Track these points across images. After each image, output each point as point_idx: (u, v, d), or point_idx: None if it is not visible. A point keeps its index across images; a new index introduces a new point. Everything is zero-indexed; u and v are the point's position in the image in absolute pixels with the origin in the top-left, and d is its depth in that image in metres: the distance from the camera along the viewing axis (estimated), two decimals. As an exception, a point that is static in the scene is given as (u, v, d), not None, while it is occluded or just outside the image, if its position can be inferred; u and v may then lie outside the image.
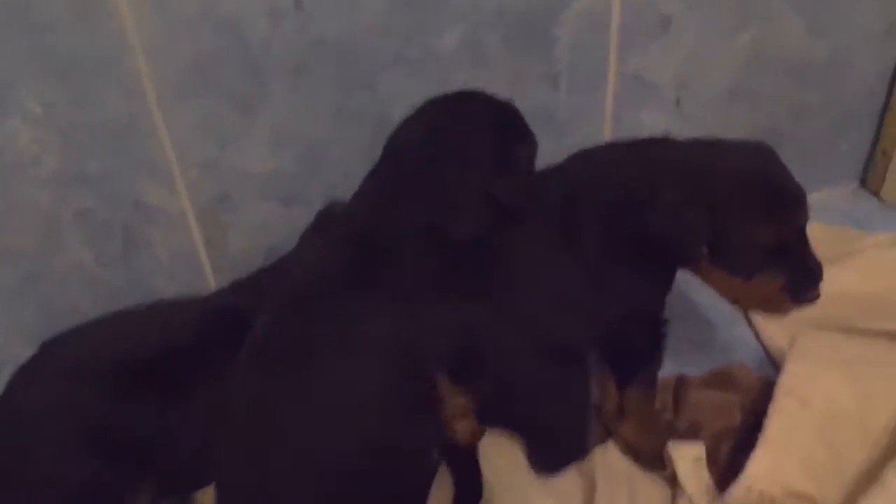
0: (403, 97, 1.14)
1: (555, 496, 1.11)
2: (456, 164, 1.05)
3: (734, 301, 1.09)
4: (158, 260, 1.20)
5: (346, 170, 1.20)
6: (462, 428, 1.15)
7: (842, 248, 1.47)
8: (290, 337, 0.96)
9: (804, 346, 1.16)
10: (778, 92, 1.49)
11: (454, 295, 1.03)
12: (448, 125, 1.07)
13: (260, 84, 1.12)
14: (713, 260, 1.02)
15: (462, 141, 1.06)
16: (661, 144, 1.10)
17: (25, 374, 1.06)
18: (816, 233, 1.06)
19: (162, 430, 1.03)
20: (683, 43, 1.36)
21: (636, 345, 1.14)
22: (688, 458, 1.09)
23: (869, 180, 1.72)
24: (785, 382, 1.10)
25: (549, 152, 1.29)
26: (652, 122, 1.41)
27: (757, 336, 1.34)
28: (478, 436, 1.18)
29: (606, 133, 1.39)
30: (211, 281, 1.26)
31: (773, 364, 1.28)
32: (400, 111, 1.17)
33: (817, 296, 1.03)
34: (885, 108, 1.61)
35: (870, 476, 1.01)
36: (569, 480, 1.14)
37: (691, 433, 1.16)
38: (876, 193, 1.70)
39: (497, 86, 1.12)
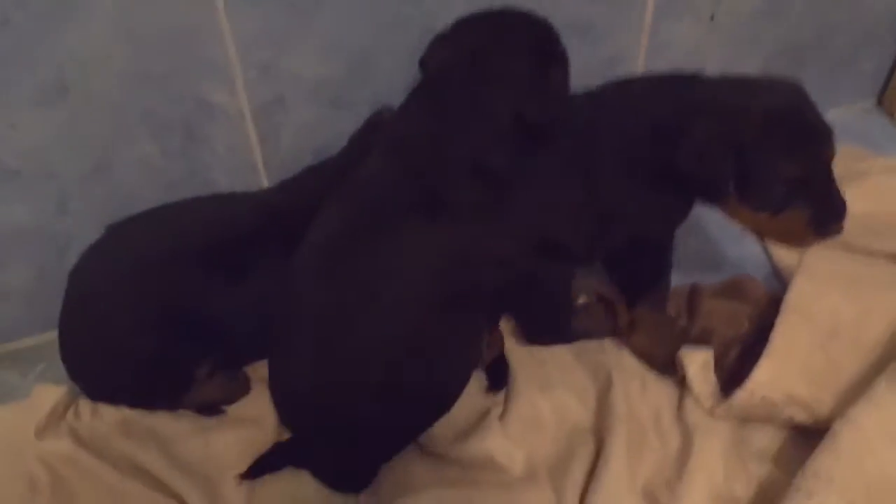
0: (449, 7, 1.17)
1: (573, 389, 1.23)
2: (493, 88, 1.07)
3: (759, 235, 1.13)
4: (216, 154, 1.26)
5: (391, 77, 1.26)
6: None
7: (851, 167, 1.52)
8: (355, 243, 1.04)
9: (810, 264, 1.22)
10: (807, 9, 1.51)
11: (490, 216, 1.09)
12: (485, 47, 1.08)
13: (318, -9, 1.15)
14: (739, 196, 1.05)
15: (499, 64, 1.08)
16: (692, 80, 1.12)
17: (97, 254, 1.15)
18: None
19: (223, 312, 1.13)
20: (722, -41, 1.36)
21: (642, 269, 1.21)
22: (697, 362, 1.19)
23: (885, 100, 1.76)
24: (791, 298, 1.18)
25: (585, 63, 1.33)
26: (686, 36, 1.44)
27: (766, 252, 1.41)
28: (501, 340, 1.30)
29: (642, 45, 1.42)
30: (263, 176, 1.33)
31: (780, 279, 1.37)
32: (444, 23, 1.21)
33: (841, 229, 1.05)
34: (908, 29, 1.62)
35: (861, 385, 1.11)
36: (585, 375, 1.25)
37: (703, 339, 1.25)
38: (891, 114, 1.75)
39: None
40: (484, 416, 1.20)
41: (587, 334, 1.29)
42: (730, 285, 1.34)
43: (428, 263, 1.03)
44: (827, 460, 1.02)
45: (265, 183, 1.33)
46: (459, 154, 1.06)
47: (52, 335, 1.16)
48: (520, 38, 1.09)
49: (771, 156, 1.01)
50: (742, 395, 1.13)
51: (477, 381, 1.24)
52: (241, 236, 1.16)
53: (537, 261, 1.18)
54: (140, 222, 1.17)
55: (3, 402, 1.23)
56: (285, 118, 1.27)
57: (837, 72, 1.64)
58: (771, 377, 1.12)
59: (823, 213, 1.04)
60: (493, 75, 1.07)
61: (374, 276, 1.02)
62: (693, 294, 1.33)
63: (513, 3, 1.19)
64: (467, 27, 1.11)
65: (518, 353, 1.27)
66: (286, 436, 1.17)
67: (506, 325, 1.31)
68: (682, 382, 1.22)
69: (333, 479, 1.12)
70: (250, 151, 1.29)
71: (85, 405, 1.21)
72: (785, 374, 1.12)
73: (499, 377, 1.25)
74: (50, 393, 1.19)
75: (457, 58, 1.09)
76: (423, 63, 1.13)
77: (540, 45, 1.11)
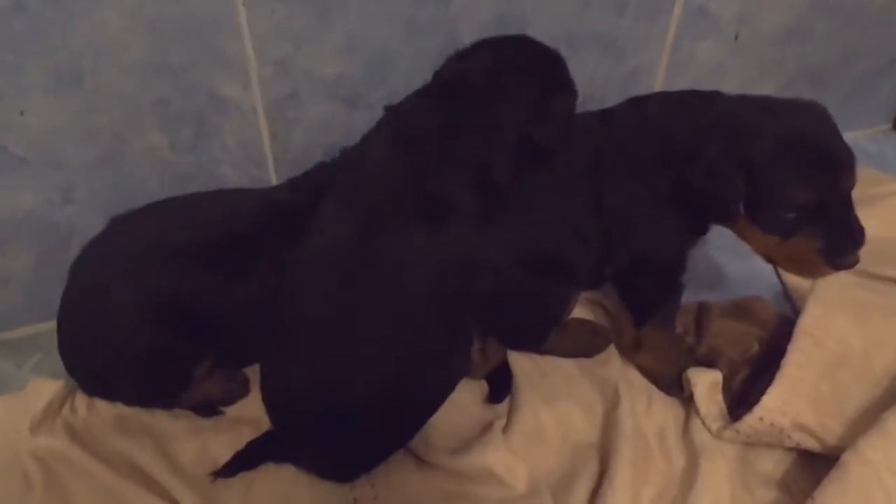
0: (472, 15, 1.17)
1: (578, 403, 1.21)
2: (505, 104, 1.08)
3: (769, 260, 1.11)
4: (226, 149, 1.25)
5: (409, 79, 1.24)
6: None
7: (866, 191, 1.51)
8: (357, 245, 1.02)
9: (822, 289, 1.21)
10: (832, 33, 1.51)
11: (490, 226, 1.09)
12: (502, 67, 1.09)
13: (339, -11, 1.14)
14: (749, 218, 1.04)
15: (514, 83, 1.09)
16: (711, 98, 1.10)
17: (99, 247, 1.12)
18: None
19: (223, 309, 1.11)
20: (750, -22, 1.36)
21: (650, 291, 1.19)
22: (704, 382, 1.18)
23: (902, 124, 1.76)
24: (804, 323, 1.17)
25: (607, 76, 1.33)
26: (708, 55, 1.44)
27: (777, 271, 1.40)
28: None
29: (664, 61, 1.41)
30: (272, 172, 1.31)
31: (791, 300, 1.36)
32: (468, 29, 1.21)
33: (856, 261, 1.03)
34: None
35: (869, 413, 1.10)
36: (592, 388, 1.23)
37: (709, 358, 1.25)
38: (906, 138, 1.75)
39: (566, 7, 1.13)
40: (486, 428, 1.18)
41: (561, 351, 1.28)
42: (739, 305, 1.33)
43: (427, 267, 1.02)
44: (835, 491, 1.01)
45: (274, 179, 1.32)
46: (465, 160, 1.06)
47: (50, 325, 1.14)
48: (535, 64, 1.11)
49: (781, 179, 1.00)
50: (750, 420, 1.12)
51: (480, 391, 1.23)
52: (245, 233, 1.14)
53: (534, 279, 1.17)
54: (143, 216, 1.15)
55: (-2, 393, 1.21)
56: (298, 115, 1.25)
57: (857, 95, 1.63)
58: (780, 403, 1.11)
59: (837, 243, 1.01)
60: (507, 92, 1.08)
61: (375, 279, 1.01)
62: (701, 312, 1.32)
63: (538, 19, 1.18)
64: (487, 47, 1.12)
65: (521, 364, 1.26)
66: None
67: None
68: (687, 402, 1.21)
69: (323, 468, 1.11)
70: (260, 147, 1.27)
71: (81, 400, 1.18)
72: (794, 400, 1.11)
73: (501, 387, 1.24)
74: (45, 387, 1.17)
75: (474, 70, 1.09)
76: (437, 74, 1.13)
77: (553, 73, 1.12)
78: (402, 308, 1.02)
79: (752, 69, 1.48)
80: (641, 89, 1.41)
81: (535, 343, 1.26)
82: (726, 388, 1.20)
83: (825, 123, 1.04)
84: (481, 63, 1.10)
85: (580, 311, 1.33)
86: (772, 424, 1.11)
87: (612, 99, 1.24)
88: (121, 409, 1.17)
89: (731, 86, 1.46)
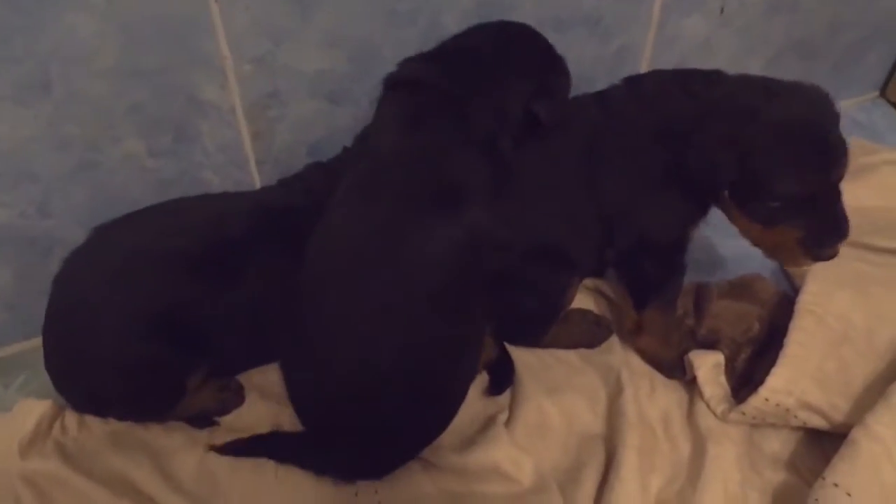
0: (454, 1, 1.14)
1: (582, 393, 1.20)
2: (511, 78, 1.07)
3: (755, 244, 1.10)
4: (206, 153, 1.21)
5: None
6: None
7: (859, 161, 1.50)
8: (376, 236, 1.01)
9: (820, 264, 1.18)
10: (817, 3, 1.49)
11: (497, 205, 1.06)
12: (505, 43, 1.09)
13: (316, -19, 1.10)
14: (735, 202, 1.03)
15: (518, 58, 1.08)
16: (711, 78, 1.09)
17: (82, 258, 1.09)
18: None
19: (215, 317, 1.08)
20: (734, -48, 1.33)
21: (651, 272, 1.18)
22: (707, 365, 1.17)
23: (888, 91, 1.74)
24: (804, 300, 1.16)
25: (594, 57, 1.31)
26: (694, 30, 1.41)
27: None
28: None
29: (650, 39, 1.38)
30: (255, 174, 1.27)
31: (787, 276, 1.35)
32: (450, 16, 1.18)
33: (835, 253, 1.02)
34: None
35: (874, 388, 1.10)
36: (594, 377, 1.22)
37: (710, 340, 1.24)
38: (894, 105, 1.74)
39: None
40: (489, 423, 1.16)
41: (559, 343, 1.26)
42: (738, 285, 1.32)
43: (445, 253, 1.00)
44: (845, 469, 1.00)
45: (257, 181, 1.28)
46: (475, 136, 1.04)
47: (35, 342, 1.12)
48: (535, 45, 1.11)
49: (771, 169, 0.98)
50: (755, 401, 1.11)
51: (478, 383, 1.21)
52: (235, 239, 1.10)
53: (533, 265, 1.15)
54: (127, 224, 1.11)
55: (-17, 415, 1.17)
56: (280, 113, 1.21)
57: (845, 65, 1.62)
58: (785, 383, 1.10)
59: (818, 235, 1.00)
60: (515, 64, 1.08)
61: (397, 270, 0.99)
62: (700, 293, 1.31)
63: (521, 3, 1.16)
64: (483, 29, 1.11)
65: (522, 355, 1.24)
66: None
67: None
68: (690, 385, 1.20)
69: (355, 467, 1.09)
70: (242, 148, 1.23)
71: (71, 418, 1.15)
72: (799, 379, 1.11)
73: (502, 379, 1.22)
74: (33, 408, 1.13)
75: (479, 43, 1.09)
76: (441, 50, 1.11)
77: (551, 54, 1.12)
78: (426, 297, 0.99)
79: (739, 43, 1.46)
80: (629, 69, 1.39)
81: (535, 337, 1.24)
82: (729, 370, 1.20)
83: (824, 111, 1.02)
84: (482, 38, 1.10)
85: (580, 301, 1.31)
86: (777, 405, 1.10)
87: (601, 80, 1.22)
88: (113, 424, 1.14)
89: (718, 61, 1.44)
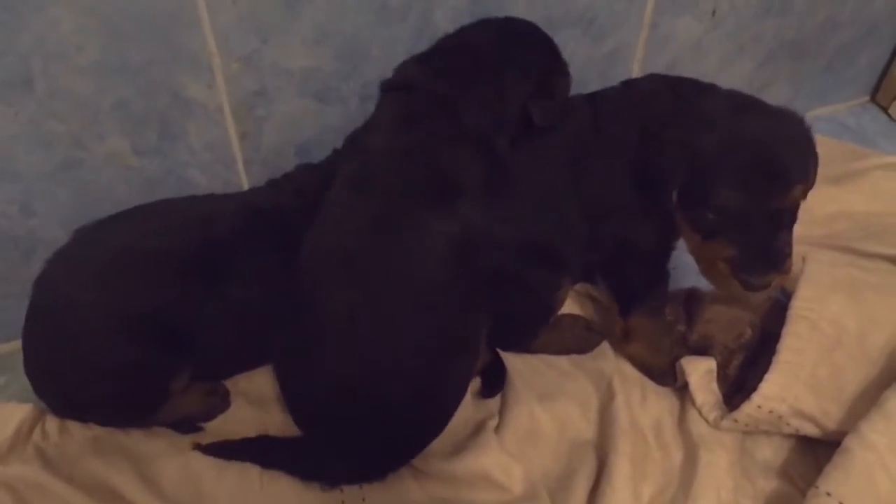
0: (447, -2, 1.12)
1: (573, 398, 1.18)
2: (509, 76, 1.07)
3: (692, 255, 1.08)
4: (193, 151, 1.18)
5: (382, 69, 1.19)
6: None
7: (850, 165, 1.51)
8: (373, 235, 1.00)
9: (813, 269, 1.19)
10: (810, 5, 1.48)
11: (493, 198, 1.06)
12: (505, 41, 1.09)
13: (305, -22, 1.08)
14: (682, 208, 1.02)
15: (516, 56, 1.08)
16: (702, 88, 1.09)
17: (64, 260, 1.06)
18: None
19: (199, 320, 1.06)
20: (728, -47, 1.33)
21: (635, 278, 1.17)
22: (699, 371, 1.16)
23: (879, 96, 1.74)
24: (797, 306, 1.15)
25: (586, 58, 1.30)
26: (687, 31, 1.40)
27: None
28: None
29: (642, 40, 1.37)
30: (242, 174, 1.25)
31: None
32: (442, 13, 1.16)
33: (765, 285, 0.99)
34: (907, 25, 1.62)
35: (867, 394, 1.09)
36: (586, 383, 1.20)
37: (702, 346, 1.22)
38: (885, 109, 1.73)
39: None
40: (479, 428, 1.14)
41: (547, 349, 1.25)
42: (730, 290, 1.30)
43: (442, 249, 1.00)
44: (839, 477, 0.99)
45: (245, 181, 1.26)
46: (470, 134, 1.04)
47: (15, 345, 1.09)
48: (536, 42, 1.11)
49: (713, 176, 0.97)
50: (748, 408, 1.10)
51: (471, 387, 1.18)
52: (222, 240, 1.08)
53: (525, 266, 1.14)
54: (111, 225, 1.09)
55: (-39, 419, 1.14)
56: (267, 112, 1.19)
57: (835, 67, 1.61)
58: (778, 390, 1.09)
59: (749, 259, 0.98)
60: (513, 61, 1.07)
61: (395, 268, 0.99)
62: (690, 299, 1.30)
63: (514, 1, 1.14)
64: (487, 25, 1.11)
65: (513, 361, 1.22)
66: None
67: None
68: (681, 392, 1.19)
69: (357, 470, 1.08)
70: (229, 147, 1.21)
71: (52, 423, 1.13)
72: (792, 386, 1.09)
73: (494, 382, 1.20)
74: (13, 412, 1.11)
75: (479, 40, 1.09)
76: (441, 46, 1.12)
77: (551, 53, 1.12)
78: (424, 295, 0.99)
79: (730, 45, 1.45)
80: (620, 69, 1.38)
81: (526, 340, 1.22)
82: (721, 376, 1.19)
83: (791, 138, 1.01)
84: (484, 35, 1.09)
85: (572, 307, 1.30)
86: (770, 412, 1.09)
87: (592, 80, 1.21)
88: (95, 430, 1.12)
89: (710, 62, 1.44)
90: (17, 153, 1.07)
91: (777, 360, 1.10)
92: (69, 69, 1.02)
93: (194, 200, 1.15)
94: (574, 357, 1.24)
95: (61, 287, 1.05)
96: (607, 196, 1.12)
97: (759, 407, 1.09)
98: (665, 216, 1.09)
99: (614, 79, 1.17)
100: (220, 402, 1.16)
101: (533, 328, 1.21)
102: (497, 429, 1.14)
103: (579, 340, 1.25)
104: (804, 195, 1.01)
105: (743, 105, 1.04)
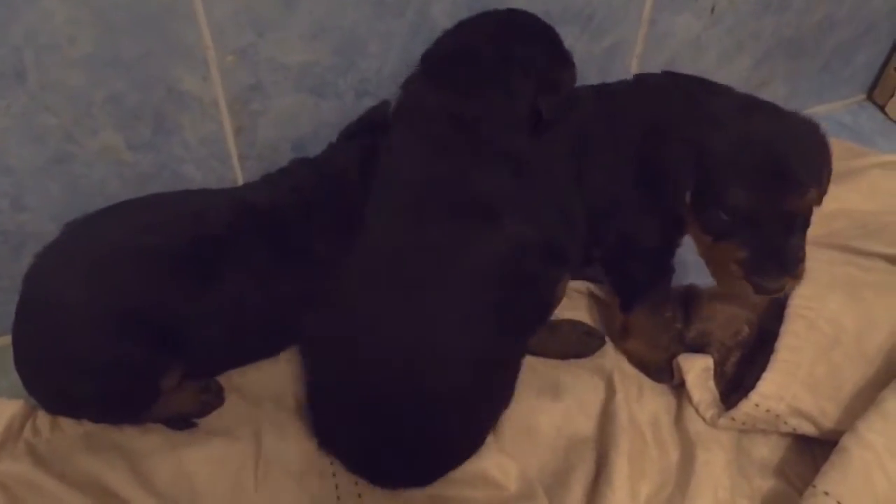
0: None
1: (573, 395, 1.17)
2: (514, 78, 1.06)
3: (702, 257, 1.08)
4: (187, 146, 1.17)
5: (379, 64, 1.19)
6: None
7: (847, 164, 1.50)
8: (417, 255, 1.01)
9: (812, 268, 1.16)
10: (809, 2, 1.47)
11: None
12: (508, 38, 1.08)
13: (302, -29, 1.07)
14: (694, 209, 1.02)
15: (524, 53, 1.07)
16: (714, 89, 1.08)
17: (54, 254, 1.05)
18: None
19: (191, 317, 1.05)
20: (727, -50, 1.32)
21: (637, 274, 1.16)
22: (696, 369, 1.15)
23: (876, 94, 1.74)
24: (795, 304, 1.14)
25: (585, 54, 1.29)
26: (685, 28, 1.40)
27: None
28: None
29: (640, 36, 1.37)
30: (237, 169, 1.24)
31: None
32: (440, 7, 1.15)
33: (779, 289, 0.99)
34: (905, 24, 1.62)
35: (865, 393, 1.09)
36: (586, 379, 1.19)
37: (699, 343, 1.22)
38: (882, 108, 1.73)
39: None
40: (476, 426, 1.13)
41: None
42: (728, 287, 1.29)
43: (490, 268, 1.00)
44: (836, 477, 0.99)
45: (240, 176, 1.25)
46: (491, 145, 1.04)
47: (5, 341, 1.07)
48: (538, 35, 1.10)
49: (726, 175, 0.97)
50: (745, 407, 1.09)
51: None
52: (215, 236, 1.07)
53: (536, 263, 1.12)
54: (102, 219, 1.08)
55: (-50, 416, 1.13)
56: (263, 107, 1.18)
57: (833, 65, 1.61)
58: (776, 389, 1.09)
59: (761, 261, 0.97)
60: (517, 61, 1.07)
61: (441, 286, 0.99)
62: (689, 296, 1.29)
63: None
64: (485, 21, 1.10)
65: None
66: (264, 448, 1.09)
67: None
68: (678, 389, 1.18)
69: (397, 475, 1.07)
70: (224, 142, 1.20)
71: (44, 419, 1.11)
72: (790, 385, 1.09)
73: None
74: (3, 408, 1.09)
75: (480, 41, 1.08)
76: (437, 48, 1.11)
77: (556, 45, 1.11)
78: (474, 315, 0.99)
79: (729, 42, 1.45)
80: (619, 66, 1.38)
81: (524, 338, 1.21)
82: (718, 374, 1.18)
83: (802, 141, 1.00)
84: (484, 32, 1.09)
85: (572, 307, 1.29)
86: (767, 410, 1.09)
87: (591, 77, 1.20)
88: (87, 426, 1.11)
89: (708, 59, 1.44)
90: (8, 146, 1.06)
91: (775, 358, 1.10)
92: (62, 61, 1.01)
93: (187, 195, 1.14)
94: (574, 356, 1.23)
95: (51, 282, 1.04)
96: (612, 190, 1.11)
97: (757, 405, 1.08)
98: (669, 213, 1.08)
99: (613, 75, 1.17)
100: (214, 399, 1.15)
101: (531, 324, 1.20)
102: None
103: (579, 345, 1.24)
104: (819, 200, 1.01)
105: (755, 107, 1.03)
